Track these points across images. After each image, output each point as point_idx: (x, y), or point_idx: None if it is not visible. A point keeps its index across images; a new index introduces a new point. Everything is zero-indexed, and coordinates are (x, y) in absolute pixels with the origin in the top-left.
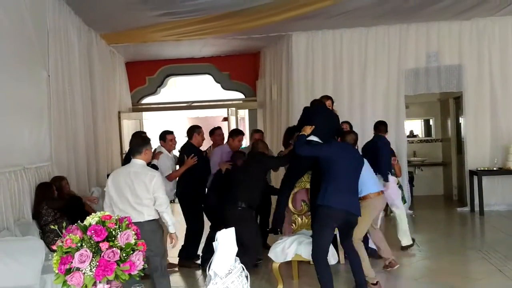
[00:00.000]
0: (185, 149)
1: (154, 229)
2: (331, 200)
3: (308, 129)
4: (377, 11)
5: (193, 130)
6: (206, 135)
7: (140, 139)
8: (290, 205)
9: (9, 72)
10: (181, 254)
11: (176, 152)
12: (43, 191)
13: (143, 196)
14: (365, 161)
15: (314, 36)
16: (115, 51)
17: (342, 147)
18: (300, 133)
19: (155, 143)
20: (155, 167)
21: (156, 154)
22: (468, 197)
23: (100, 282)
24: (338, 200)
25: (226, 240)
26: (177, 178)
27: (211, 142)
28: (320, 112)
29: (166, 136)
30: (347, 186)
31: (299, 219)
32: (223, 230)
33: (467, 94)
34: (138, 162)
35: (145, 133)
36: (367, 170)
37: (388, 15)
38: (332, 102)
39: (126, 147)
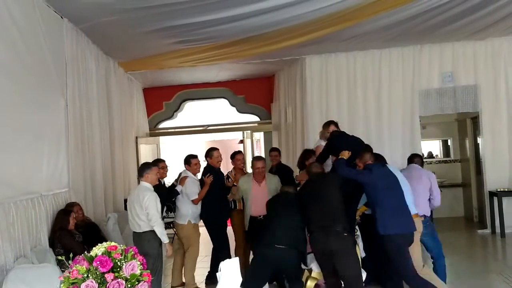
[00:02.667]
0: (204, 171)
1: (150, 239)
2: (389, 227)
3: (346, 154)
4: (389, 33)
5: (208, 153)
6: (225, 155)
7: (142, 165)
8: None
9: (28, 101)
10: (208, 278)
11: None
12: (60, 220)
13: (139, 211)
14: (407, 183)
15: (327, 59)
16: (133, 77)
17: (379, 170)
18: (339, 157)
19: (173, 166)
20: (176, 192)
21: (181, 180)
22: (489, 218)
23: None
24: (393, 225)
25: (229, 270)
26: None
27: (232, 166)
28: (344, 140)
29: (191, 160)
30: (398, 208)
31: None
32: (227, 260)
33: (483, 114)
34: (142, 183)
35: (162, 160)
36: (407, 192)
37: (400, 37)
38: (336, 126)
39: None
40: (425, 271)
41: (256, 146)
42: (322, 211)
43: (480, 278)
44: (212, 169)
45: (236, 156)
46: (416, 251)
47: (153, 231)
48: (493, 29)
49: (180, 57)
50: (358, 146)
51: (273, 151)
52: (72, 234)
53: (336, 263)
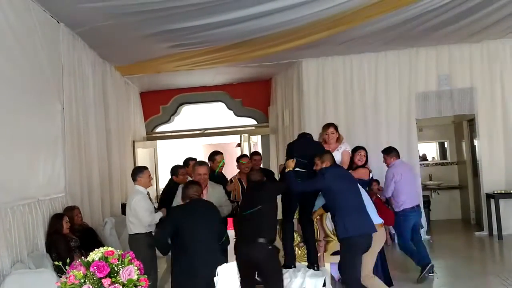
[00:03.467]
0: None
1: (138, 238)
2: (349, 230)
3: (291, 163)
4: (386, 36)
5: (211, 156)
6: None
7: (134, 170)
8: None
9: (24, 106)
10: None
11: None
12: (54, 225)
13: (129, 213)
14: (364, 191)
15: (324, 62)
16: (130, 81)
17: (334, 172)
18: (286, 170)
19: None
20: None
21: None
22: (486, 221)
23: None
24: (354, 227)
25: (226, 275)
26: None
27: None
28: (296, 145)
29: (189, 163)
30: (356, 208)
31: (297, 249)
32: (224, 265)
33: (480, 116)
34: (135, 187)
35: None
36: (366, 200)
37: (396, 40)
38: (335, 129)
39: None
40: (373, 282)
41: (253, 149)
42: (250, 222)
43: (477, 280)
44: (212, 174)
45: (241, 159)
46: (370, 259)
47: (143, 234)
48: (489, 32)
49: (176, 61)
50: (312, 152)
51: (255, 155)
52: (66, 238)
53: (259, 274)
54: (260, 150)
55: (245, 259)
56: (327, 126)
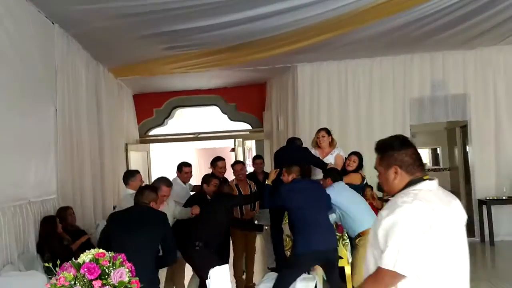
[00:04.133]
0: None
1: None
2: (298, 247)
3: (272, 175)
4: (381, 42)
5: (213, 162)
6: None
7: (125, 173)
8: None
9: (17, 107)
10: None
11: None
12: (46, 227)
13: None
14: (355, 194)
15: (319, 67)
16: (123, 84)
17: (290, 188)
18: (266, 182)
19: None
20: None
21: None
22: (478, 227)
23: None
24: (303, 244)
25: (219, 278)
26: None
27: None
28: (280, 153)
29: (183, 168)
30: (311, 225)
31: (287, 253)
32: (217, 268)
33: (472, 122)
34: (126, 190)
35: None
36: (358, 203)
37: (392, 46)
38: (327, 132)
39: None
40: None
41: (248, 154)
42: (200, 227)
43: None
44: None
45: (235, 167)
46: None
47: None
48: (483, 39)
49: (171, 63)
50: (296, 161)
51: (257, 158)
52: (60, 237)
53: None
54: (253, 155)
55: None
56: (319, 130)
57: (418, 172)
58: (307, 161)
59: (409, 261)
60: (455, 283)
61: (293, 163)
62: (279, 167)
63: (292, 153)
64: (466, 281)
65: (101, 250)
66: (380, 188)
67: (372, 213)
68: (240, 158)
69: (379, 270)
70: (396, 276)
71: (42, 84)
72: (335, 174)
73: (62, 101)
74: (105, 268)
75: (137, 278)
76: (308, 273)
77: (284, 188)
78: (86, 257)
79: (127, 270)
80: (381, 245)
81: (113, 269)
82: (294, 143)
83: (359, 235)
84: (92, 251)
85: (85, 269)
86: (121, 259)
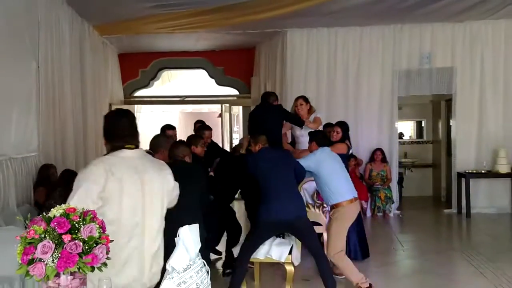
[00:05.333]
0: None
1: None
2: (259, 215)
3: (244, 142)
4: (372, 10)
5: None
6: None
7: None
8: None
9: None
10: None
11: None
12: (44, 173)
13: None
14: (338, 164)
15: (309, 33)
16: (108, 42)
17: (256, 158)
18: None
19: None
20: None
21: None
22: (455, 199)
23: (63, 273)
24: (265, 213)
25: (189, 236)
26: None
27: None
28: (255, 113)
29: (166, 131)
30: (275, 193)
31: None
32: (186, 226)
33: (457, 96)
34: None
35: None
36: (339, 174)
37: (382, 14)
38: (305, 100)
39: None
40: (343, 260)
41: (235, 121)
42: None
43: (442, 255)
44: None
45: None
46: (341, 236)
47: None
48: (473, 12)
49: (157, 22)
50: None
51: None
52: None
53: None
54: (241, 122)
55: None
56: (297, 98)
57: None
58: (283, 119)
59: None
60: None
61: (268, 125)
62: (253, 130)
63: (267, 115)
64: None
65: (71, 205)
66: None
67: (352, 186)
68: (227, 124)
69: None
70: None
71: (25, 39)
72: (321, 138)
73: (45, 57)
74: (75, 223)
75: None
76: (283, 237)
77: (250, 158)
78: (56, 211)
79: (98, 226)
80: None
81: (84, 224)
82: (267, 102)
83: (333, 207)
84: (63, 206)
85: (55, 223)
86: (91, 215)
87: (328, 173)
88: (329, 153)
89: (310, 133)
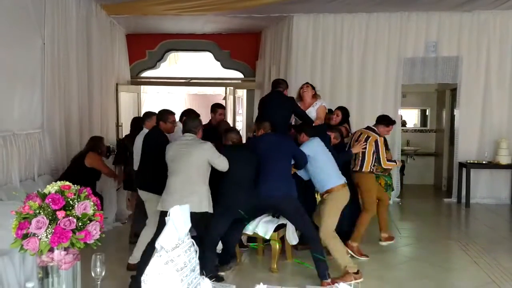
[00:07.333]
0: None
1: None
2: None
3: (253, 127)
4: None
5: (211, 110)
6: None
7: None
8: None
9: (3, 38)
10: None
11: None
12: (97, 144)
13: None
14: (328, 152)
15: (315, 19)
16: (116, 22)
17: (256, 140)
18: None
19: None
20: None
21: None
22: (456, 188)
23: (57, 249)
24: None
25: (179, 216)
26: None
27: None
28: (266, 100)
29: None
30: (267, 172)
31: None
32: (176, 207)
33: (462, 86)
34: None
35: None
36: (331, 161)
37: (389, 1)
38: (312, 87)
39: (123, 120)
40: (334, 242)
41: (239, 104)
42: None
43: (438, 243)
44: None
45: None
46: (333, 219)
47: None
48: (481, 2)
49: (165, 3)
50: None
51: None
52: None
53: None
54: (244, 105)
55: None
56: (303, 84)
57: None
58: (291, 112)
59: None
60: None
61: (276, 117)
62: (260, 117)
63: (276, 108)
64: None
65: (67, 183)
66: None
67: (340, 173)
68: (230, 107)
69: None
70: None
71: (30, 16)
72: (310, 129)
73: (51, 34)
74: (69, 200)
75: (102, 211)
76: (274, 217)
77: (252, 140)
78: (52, 188)
79: (92, 203)
80: None
81: (78, 201)
82: (278, 91)
83: (327, 191)
84: (59, 183)
85: (50, 199)
86: (86, 193)
87: (323, 159)
88: (319, 142)
89: (297, 126)
